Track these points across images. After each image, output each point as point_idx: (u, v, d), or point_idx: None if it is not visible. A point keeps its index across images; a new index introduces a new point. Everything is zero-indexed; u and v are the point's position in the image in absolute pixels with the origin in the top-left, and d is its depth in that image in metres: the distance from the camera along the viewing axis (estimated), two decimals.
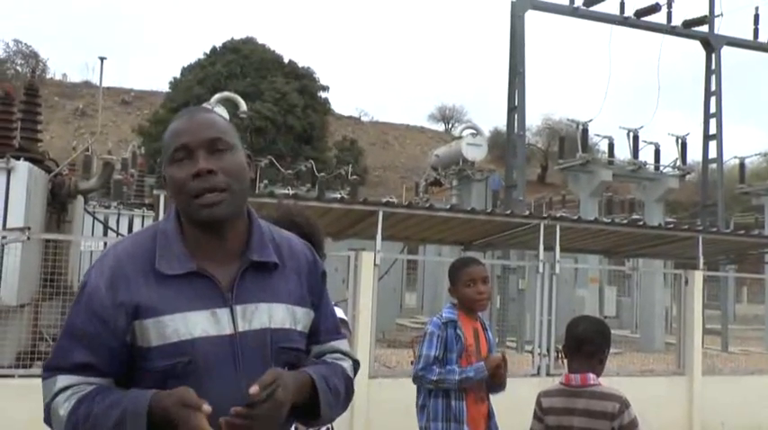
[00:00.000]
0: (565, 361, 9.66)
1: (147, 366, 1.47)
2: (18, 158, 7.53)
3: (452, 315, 3.50)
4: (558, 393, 2.96)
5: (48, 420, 1.48)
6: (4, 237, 6.88)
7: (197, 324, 1.47)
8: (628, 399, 2.83)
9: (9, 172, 7.23)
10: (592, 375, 2.90)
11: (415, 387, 3.55)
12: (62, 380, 1.46)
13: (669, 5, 18.71)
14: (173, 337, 1.46)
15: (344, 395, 1.67)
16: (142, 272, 1.50)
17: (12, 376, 6.45)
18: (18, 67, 47.22)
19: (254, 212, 1.64)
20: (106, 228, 12.53)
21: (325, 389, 1.57)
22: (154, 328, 1.46)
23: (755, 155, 23.97)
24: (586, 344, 2.91)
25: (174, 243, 1.53)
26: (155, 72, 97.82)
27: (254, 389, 1.37)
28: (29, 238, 6.91)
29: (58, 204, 8.90)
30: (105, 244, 12.24)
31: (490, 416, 3.52)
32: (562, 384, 2.96)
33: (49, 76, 52.70)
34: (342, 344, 1.76)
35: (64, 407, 1.43)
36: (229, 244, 1.56)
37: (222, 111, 17.92)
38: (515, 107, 16.87)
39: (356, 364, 1.77)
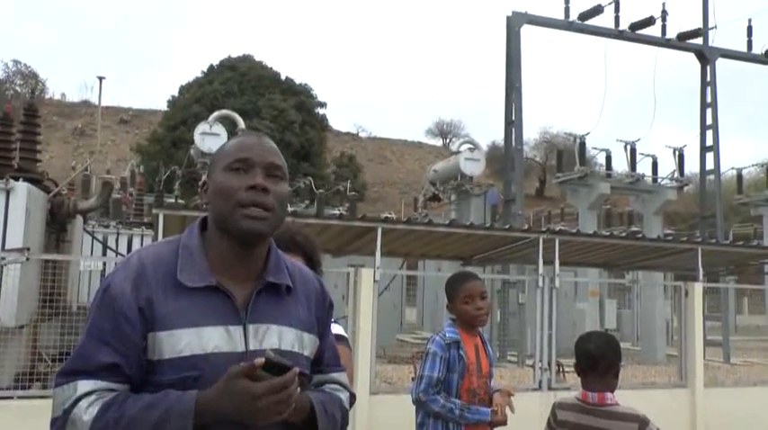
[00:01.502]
0: (565, 374, 9.62)
1: (154, 379, 1.47)
2: (17, 179, 7.54)
3: (455, 335, 3.43)
4: (574, 408, 2.94)
5: (61, 428, 1.43)
6: (3, 258, 6.88)
7: (210, 339, 1.49)
8: (646, 417, 2.79)
9: (8, 193, 7.24)
10: (609, 394, 2.87)
11: (411, 404, 3.52)
12: (84, 385, 1.44)
13: (663, 19, 18.86)
14: (185, 351, 1.47)
15: (340, 425, 1.69)
16: (163, 281, 1.52)
17: (10, 397, 6.40)
18: (17, 88, 47.44)
19: (273, 240, 1.69)
20: (105, 247, 12.52)
21: (323, 413, 1.59)
22: (167, 341, 1.47)
23: (753, 165, 23.98)
24: (600, 360, 2.89)
25: (197, 257, 1.56)
26: (153, 91, 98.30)
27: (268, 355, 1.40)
28: (28, 259, 6.90)
29: (57, 224, 8.90)
30: (104, 263, 12.31)
31: None
32: (578, 400, 2.94)
33: (47, 96, 52.99)
34: (341, 376, 1.80)
35: (88, 413, 1.40)
36: (251, 264, 1.60)
37: (221, 130, 17.97)
38: (513, 121, 16.93)
39: (352, 397, 1.81)
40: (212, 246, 1.58)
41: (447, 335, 3.44)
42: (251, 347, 1.52)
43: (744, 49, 20.09)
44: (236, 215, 1.53)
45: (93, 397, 1.42)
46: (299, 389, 1.42)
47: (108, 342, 1.46)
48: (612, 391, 2.90)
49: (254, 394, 1.36)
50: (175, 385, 1.45)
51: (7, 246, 7.06)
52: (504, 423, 3.42)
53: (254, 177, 1.55)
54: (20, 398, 6.38)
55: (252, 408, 1.37)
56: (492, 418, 3.37)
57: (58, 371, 1.50)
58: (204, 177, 1.64)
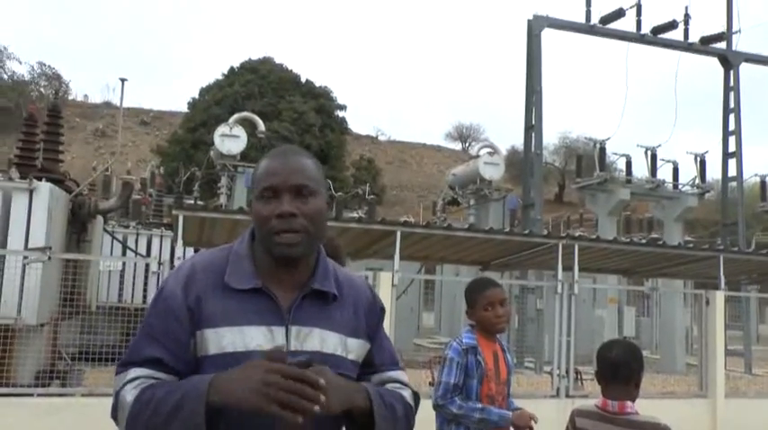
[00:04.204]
0: (584, 382, 9.55)
1: (200, 373, 1.55)
2: (40, 179, 7.63)
3: (472, 340, 3.43)
4: (593, 416, 2.91)
5: (115, 409, 1.57)
6: (25, 257, 6.96)
7: (253, 338, 1.57)
8: (668, 426, 2.76)
9: (32, 192, 7.33)
10: (629, 403, 2.84)
11: (432, 410, 3.51)
12: (132, 372, 1.57)
13: (686, 22, 18.67)
14: (228, 348, 1.56)
15: (403, 418, 1.70)
16: (212, 283, 1.62)
17: (30, 395, 6.47)
18: (42, 89, 48.07)
19: (323, 250, 1.76)
20: (125, 247, 12.63)
21: (380, 402, 1.61)
22: (213, 338, 1.57)
23: None
24: (622, 369, 2.85)
25: (245, 262, 1.65)
26: (173, 92, 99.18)
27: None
28: (50, 258, 6.98)
29: (78, 224, 9.00)
30: (124, 264, 12.41)
31: None
32: (598, 408, 2.91)
33: (70, 97, 53.60)
34: (401, 375, 1.83)
35: (131, 394, 1.52)
36: (296, 273, 1.67)
37: (240, 131, 18.07)
38: (532, 126, 16.85)
39: (416, 396, 1.82)
40: (260, 256, 1.67)
41: (464, 341, 3.44)
42: (292, 347, 1.58)
43: None
44: (271, 242, 1.62)
45: (137, 382, 1.55)
46: (322, 397, 1.41)
47: (156, 337, 1.59)
48: (633, 401, 2.87)
49: (264, 379, 1.39)
50: None
51: (30, 245, 7.15)
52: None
53: (282, 204, 1.61)
54: (39, 395, 6.46)
55: (261, 395, 1.38)
56: (515, 422, 3.34)
57: (118, 363, 1.64)
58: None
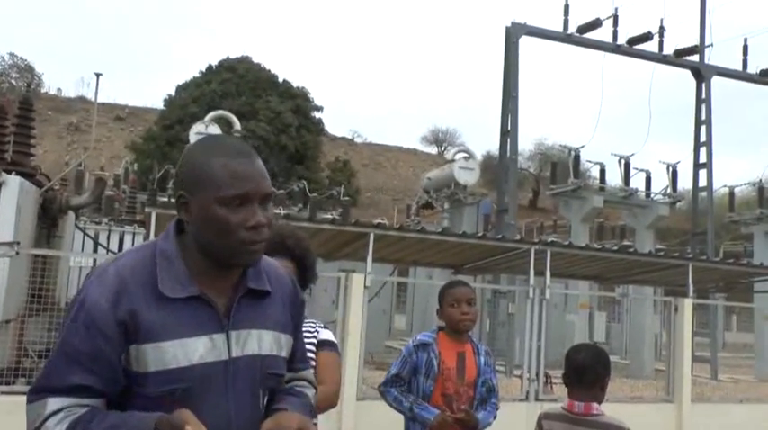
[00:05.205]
0: (553, 385, 9.64)
1: (140, 391, 1.46)
2: (9, 172, 7.51)
3: (428, 338, 3.50)
4: (560, 418, 2.95)
5: None
6: None
7: (196, 350, 1.48)
8: (630, 429, 2.82)
9: (0, 186, 7.20)
10: (595, 404, 2.89)
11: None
12: (53, 402, 1.42)
13: (661, 34, 18.96)
14: (171, 364, 1.45)
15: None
16: (144, 291, 1.48)
17: None
18: (13, 81, 47.23)
19: None
20: (96, 244, 12.46)
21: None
22: (153, 354, 1.45)
23: (745, 184, 23.99)
24: (588, 373, 2.90)
25: (177, 265, 1.52)
26: (149, 89, 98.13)
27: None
28: (17, 253, 6.86)
29: (48, 219, 8.86)
30: (95, 260, 12.23)
31: None
32: (564, 409, 2.95)
33: (43, 91, 52.77)
34: (309, 373, 1.84)
35: None
36: (232, 275, 1.59)
37: (216, 130, 17.95)
38: (508, 131, 16.97)
39: (316, 392, 1.87)
40: (191, 256, 1.54)
41: (418, 337, 3.55)
42: (233, 354, 1.53)
43: (739, 67, 20.23)
44: (236, 251, 1.50)
45: (61, 415, 1.41)
46: None
47: (81, 361, 1.43)
48: (599, 403, 2.92)
49: None
50: (164, 396, 1.45)
51: None
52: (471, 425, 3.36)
53: (255, 214, 1.49)
54: (3, 393, 6.34)
55: None
56: (435, 422, 3.29)
57: (30, 387, 1.47)
58: (179, 191, 1.53)
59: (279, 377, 1.65)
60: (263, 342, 1.59)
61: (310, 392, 1.78)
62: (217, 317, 1.52)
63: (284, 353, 1.66)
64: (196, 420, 1.38)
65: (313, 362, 2.74)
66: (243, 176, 1.48)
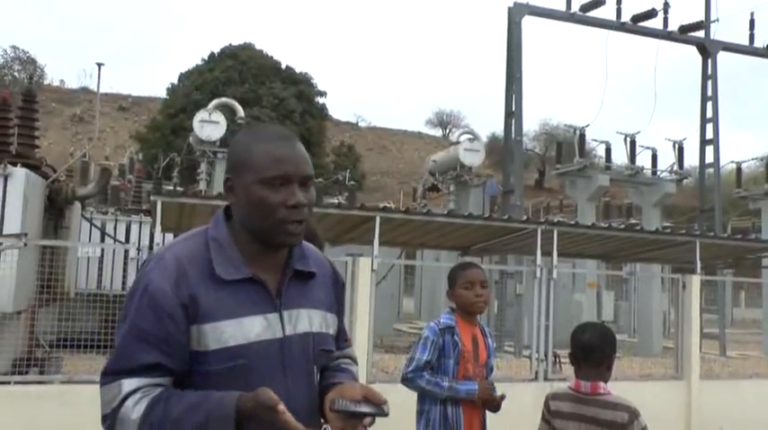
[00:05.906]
0: (562, 365, 9.64)
1: (201, 369, 1.54)
2: (15, 165, 7.52)
3: (450, 321, 3.49)
4: (567, 397, 2.96)
5: (111, 426, 1.50)
6: (0, 244, 6.87)
7: (252, 329, 1.57)
8: (637, 409, 2.81)
9: (6, 178, 7.23)
10: (602, 383, 2.90)
11: (413, 392, 3.55)
12: (128, 383, 1.49)
13: (665, 11, 18.77)
14: (230, 342, 1.55)
15: None
16: (201, 275, 1.57)
17: (8, 383, 6.41)
18: (15, 73, 47.17)
19: None
20: (103, 234, 12.51)
21: None
22: (212, 333, 1.54)
23: (752, 159, 23.79)
24: (594, 352, 2.91)
25: (228, 249, 1.61)
26: (152, 78, 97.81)
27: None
28: (26, 245, 6.89)
29: (55, 210, 8.89)
30: (102, 250, 12.31)
31: (484, 425, 3.51)
32: (571, 389, 2.96)
33: (46, 83, 52.68)
34: (352, 351, 1.96)
35: (136, 411, 1.46)
36: (279, 255, 1.68)
37: (220, 118, 17.93)
38: (513, 112, 16.89)
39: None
40: (241, 240, 1.64)
41: (442, 320, 3.52)
42: (287, 332, 1.62)
43: (746, 42, 20.02)
44: (276, 231, 1.60)
45: (138, 394, 1.48)
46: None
47: (150, 341, 1.51)
48: (605, 382, 2.92)
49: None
50: (223, 373, 1.53)
51: (5, 232, 7.05)
52: (496, 402, 3.44)
53: (294, 194, 1.59)
54: (17, 383, 6.40)
55: None
56: (480, 395, 3.38)
57: (102, 370, 1.55)
58: (227, 175, 1.65)
59: (329, 353, 1.75)
60: (312, 320, 1.69)
61: (354, 369, 1.88)
62: (269, 297, 1.62)
63: (332, 331, 1.76)
64: (273, 397, 1.44)
65: None
66: (283, 159, 1.59)
